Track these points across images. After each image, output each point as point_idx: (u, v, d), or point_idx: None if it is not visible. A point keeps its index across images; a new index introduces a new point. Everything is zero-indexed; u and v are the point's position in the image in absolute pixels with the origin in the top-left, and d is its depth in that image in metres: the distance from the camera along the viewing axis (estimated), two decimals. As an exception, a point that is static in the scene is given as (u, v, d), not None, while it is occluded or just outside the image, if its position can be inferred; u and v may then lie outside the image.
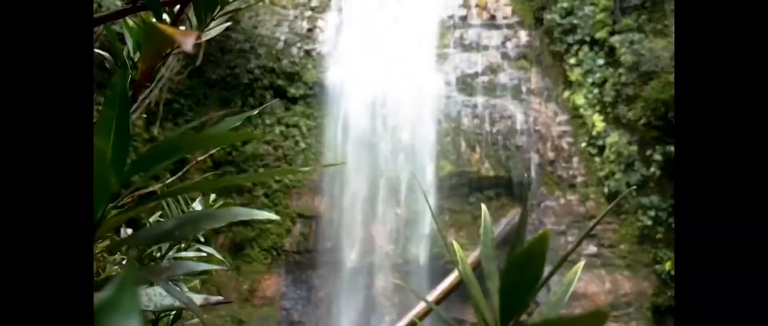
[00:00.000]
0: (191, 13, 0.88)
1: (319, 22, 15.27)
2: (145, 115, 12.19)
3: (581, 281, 11.59)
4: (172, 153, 0.49)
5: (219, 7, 0.83)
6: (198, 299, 0.55)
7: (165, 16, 0.87)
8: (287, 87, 14.07)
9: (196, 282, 1.20)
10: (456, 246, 0.79)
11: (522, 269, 0.60)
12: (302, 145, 13.59)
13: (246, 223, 12.94)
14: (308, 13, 15.37)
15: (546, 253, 0.60)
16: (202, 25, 0.85)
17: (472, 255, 11.20)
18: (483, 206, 0.71)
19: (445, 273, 9.18)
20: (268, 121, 13.75)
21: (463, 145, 13.32)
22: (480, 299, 0.68)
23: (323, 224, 13.02)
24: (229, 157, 13.31)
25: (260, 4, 15.39)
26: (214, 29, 0.88)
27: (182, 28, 0.89)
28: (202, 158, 13.29)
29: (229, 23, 0.99)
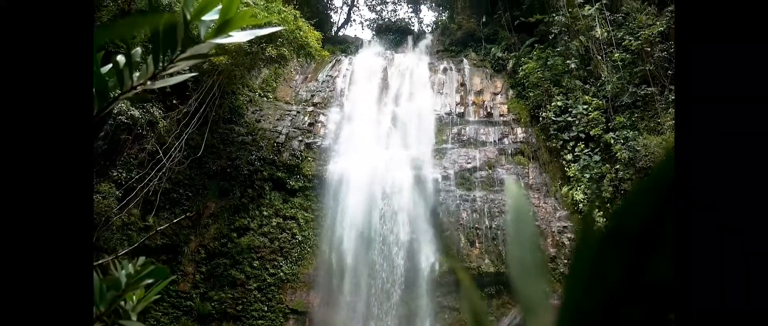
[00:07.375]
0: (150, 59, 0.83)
1: (321, 118, 15.69)
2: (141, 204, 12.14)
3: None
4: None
5: (179, 50, 0.78)
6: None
7: (121, 58, 0.82)
8: (287, 179, 14.13)
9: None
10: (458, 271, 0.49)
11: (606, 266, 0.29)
12: (299, 237, 13.36)
13: (237, 319, 12.36)
14: (310, 108, 15.85)
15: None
16: (158, 69, 0.79)
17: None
18: (508, 178, 0.40)
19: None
20: (265, 213, 13.64)
21: (463, 239, 13.10)
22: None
23: (318, 321, 12.43)
24: (223, 248, 13.03)
25: (265, 99, 15.92)
26: (174, 77, 0.83)
27: (137, 73, 0.84)
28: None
29: (193, 73, 0.94)
